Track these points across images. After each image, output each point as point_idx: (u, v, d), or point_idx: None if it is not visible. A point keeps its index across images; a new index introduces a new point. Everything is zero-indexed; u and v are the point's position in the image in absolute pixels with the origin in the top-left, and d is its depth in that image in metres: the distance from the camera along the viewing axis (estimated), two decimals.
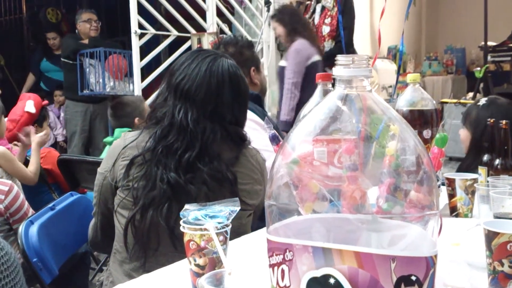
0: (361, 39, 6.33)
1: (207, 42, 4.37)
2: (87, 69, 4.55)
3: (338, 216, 0.65)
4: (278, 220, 0.66)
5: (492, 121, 1.62)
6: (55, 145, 5.15)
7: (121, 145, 1.41)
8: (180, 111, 1.37)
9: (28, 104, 3.08)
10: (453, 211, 1.56)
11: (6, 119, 2.89)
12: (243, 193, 1.40)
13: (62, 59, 4.72)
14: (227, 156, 1.39)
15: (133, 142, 1.39)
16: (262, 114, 1.90)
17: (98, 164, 1.48)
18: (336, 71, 0.66)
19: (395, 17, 7.82)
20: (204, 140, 1.35)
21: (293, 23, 4.01)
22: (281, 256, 0.64)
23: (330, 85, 1.51)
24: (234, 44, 2.04)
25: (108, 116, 3.07)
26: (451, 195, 1.56)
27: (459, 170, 2.16)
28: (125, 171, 1.36)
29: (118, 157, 1.39)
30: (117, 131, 2.89)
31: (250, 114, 1.81)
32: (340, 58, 0.65)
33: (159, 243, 1.34)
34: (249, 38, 5.12)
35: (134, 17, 4.11)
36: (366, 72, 0.64)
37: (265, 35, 5.23)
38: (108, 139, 2.94)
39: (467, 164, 2.12)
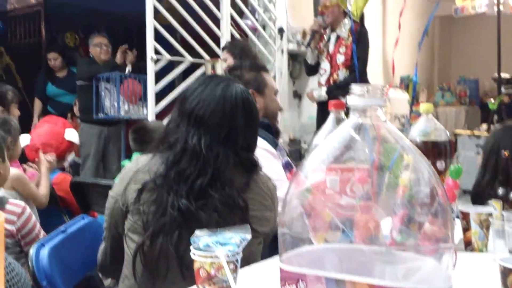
0: (374, 69, 6.36)
1: (221, 68, 4.40)
2: (103, 93, 4.60)
3: (352, 246, 0.64)
4: (291, 248, 0.65)
5: (506, 153, 1.61)
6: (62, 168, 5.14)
7: (133, 169, 1.41)
8: (193, 136, 1.37)
9: (70, 132, 3.12)
10: (468, 245, 1.53)
11: (28, 136, 2.90)
12: (254, 219, 1.39)
13: (78, 82, 4.78)
14: (238, 182, 1.39)
15: (145, 166, 1.40)
16: (274, 142, 1.89)
17: (110, 187, 1.48)
18: (351, 100, 0.66)
19: (407, 47, 7.85)
20: (216, 166, 1.35)
21: (242, 56, 4.09)
22: (294, 286, 0.63)
23: (343, 114, 1.52)
24: (237, 68, 2.07)
25: (130, 139, 3.05)
26: (466, 229, 1.53)
27: (473, 191, 2.14)
28: (136, 195, 1.36)
29: (130, 181, 1.39)
30: (135, 155, 2.90)
31: (261, 143, 1.80)
32: (355, 88, 0.65)
33: (168, 270, 1.33)
34: None
35: (151, 43, 4.17)
36: (380, 101, 0.64)
37: (278, 62, 5.27)
38: (125, 163, 2.94)
39: (479, 182, 2.11)
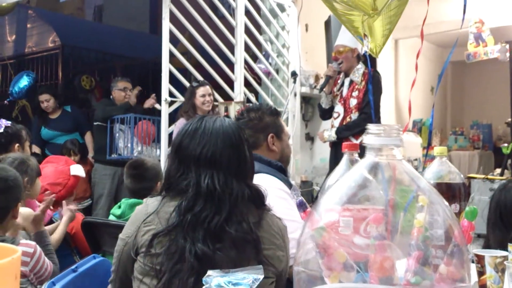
0: (386, 113, 6.39)
1: (234, 110, 4.46)
2: (117, 134, 4.66)
3: (368, 286, 0.63)
4: (306, 287, 0.65)
5: None
6: None
7: (144, 211, 1.42)
8: (205, 178, 1.37)
9: (75, 168, 3.13)
10: None
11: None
12: (266, 258, 1.38)
13: (95, 123, 4.85)
14: (251, 220, 1.39)
15: (155, 208, 1.40)
16: (289, 184, 1.89)
17: (121, 227, 1.48)
18: (367, 139, 0.66)
19: (419, 92, 7.91)
20: (232, 202, 1.36)
21: None
22: None
23: (356, 155, 1.52)
24: (256, 110, 2.07)
25: (127, 175, 2.97)
26: (481, 273, 1.50)
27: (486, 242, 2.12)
28: (149, 243, 1.35)
29: (141, 224, 1.39)
30: (124, 203, 2.88)
31: (279, 184, 1.81)
32: (371, 127, 0.65)
33: None
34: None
35: (165, 86, 4.25)
36: (396, 141, 0.64)
37: (290, 105, 5.32)
38: (116, 211, 2.90)
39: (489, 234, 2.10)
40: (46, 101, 5.09)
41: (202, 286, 1.20)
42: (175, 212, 1.36)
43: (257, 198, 1.44)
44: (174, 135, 3.66)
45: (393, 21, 2.76)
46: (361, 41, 2.89)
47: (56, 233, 2.71)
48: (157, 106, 4.63)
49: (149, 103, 4.73)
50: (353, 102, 4.16)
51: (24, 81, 6.27)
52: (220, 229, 1.33)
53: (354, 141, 3.98)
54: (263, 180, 1.71)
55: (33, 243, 2.14)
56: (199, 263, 1.30)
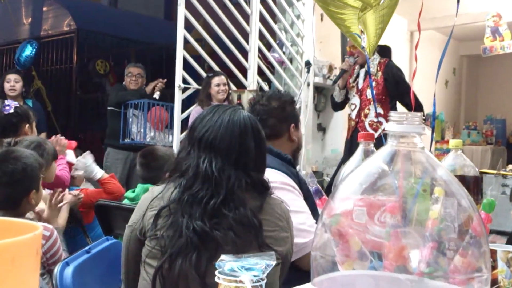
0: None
1: (247, 98, 4.46)
2: (130, 119, 4.69)
3: (386, 274, 0.63)
4: (323, 272, 0.65)
5: None
6: None
7: (149, 197, 1.45)
8: (204, 161, 1.40)
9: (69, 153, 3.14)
10: (494, 284, 1.50)
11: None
12: (270, 240, 1.39)
13: (108, 108, 4.87)
14: (252, 205, 1.40)
15: (160, 194, 1.43)
16: (296, 178, 1.86)
17: (133, 211, 1.50)
18: (389, 126, 0.66)
19: (433, 85, 7.84)
20: (229, 187, 1.38)
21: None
22: None
23: (372, 145, 1.52)
24: (278, 98, 2.04)
25: (137, 163, 3.02)
26: (492, 267, 1.50)
27: (509, 241, 2.11)
28: (153, 221, 1.38)
29: (147, 209, 1.42)
30: (139, 186, 2.91)
31: (283, 177, 1.79)
32: (393, 114, 0.65)
33: None
34: None
35: (179, 72, 4.26)
36: (418, 129, 0.64)
37: (303, 95, 5.30)
38: (130, 194, 2.93)
39: None
40: (16, 81, 4.38)
41: (206, 262, 1.21)
42: (176, 190, 1.39)
43: (259, 185, 1.45)
44: (190, 122, 3.70)
45: (385, 20, 2.77)
46: (358, 38, 2.89)
47: (59, 221, 2.73)
48: (156, 95, 4.65)
49: (153, 85, 4.73)
50: (371, 93, 4.15)
51: (28, 50, 6.29)
52: (217, 211, 1.35)
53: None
54: (266, 175, 1.70)
55: (51, 226, 2.15)
56: (199, 238, 1.32)
